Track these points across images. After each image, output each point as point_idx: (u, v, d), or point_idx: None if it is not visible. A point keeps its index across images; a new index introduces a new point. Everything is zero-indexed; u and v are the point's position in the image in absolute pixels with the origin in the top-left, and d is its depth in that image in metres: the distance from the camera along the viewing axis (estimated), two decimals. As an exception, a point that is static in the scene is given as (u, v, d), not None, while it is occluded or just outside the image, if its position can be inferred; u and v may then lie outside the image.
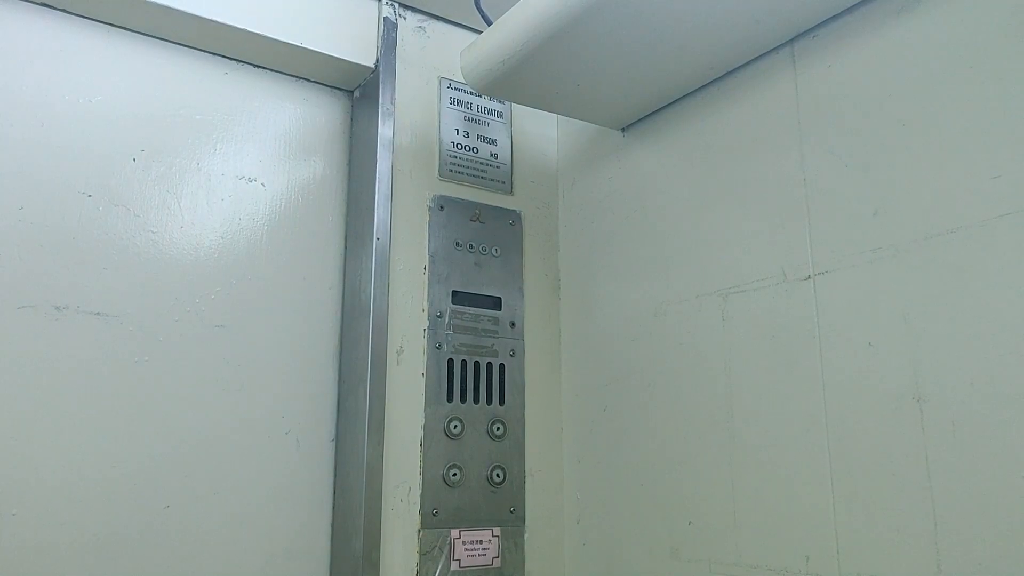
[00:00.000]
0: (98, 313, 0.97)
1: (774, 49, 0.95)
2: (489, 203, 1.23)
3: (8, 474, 0.89)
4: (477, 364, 1.15)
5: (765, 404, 0.91)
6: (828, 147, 0.88)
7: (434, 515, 1.08)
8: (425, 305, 1.13)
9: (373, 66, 1.17)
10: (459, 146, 1.22)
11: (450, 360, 1.13)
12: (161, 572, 0.96)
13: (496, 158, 1.26)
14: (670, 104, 1.10)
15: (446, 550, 1.07)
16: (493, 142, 1.26)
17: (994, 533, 0.68)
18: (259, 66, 1.16)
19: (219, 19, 1.04)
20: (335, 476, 1.09)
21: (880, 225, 0.81)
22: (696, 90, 1.06)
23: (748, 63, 0.99)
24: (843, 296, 0.84)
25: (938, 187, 0.76)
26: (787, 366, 0.89)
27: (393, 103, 1.16)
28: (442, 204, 1.18)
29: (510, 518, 1.14)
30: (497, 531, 1.12)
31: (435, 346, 1.12)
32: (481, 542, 1.10)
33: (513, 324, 1.20)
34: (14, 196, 0.95)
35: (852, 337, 0.82)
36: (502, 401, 1.17)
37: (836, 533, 0.81)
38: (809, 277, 0.88)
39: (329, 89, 1.22)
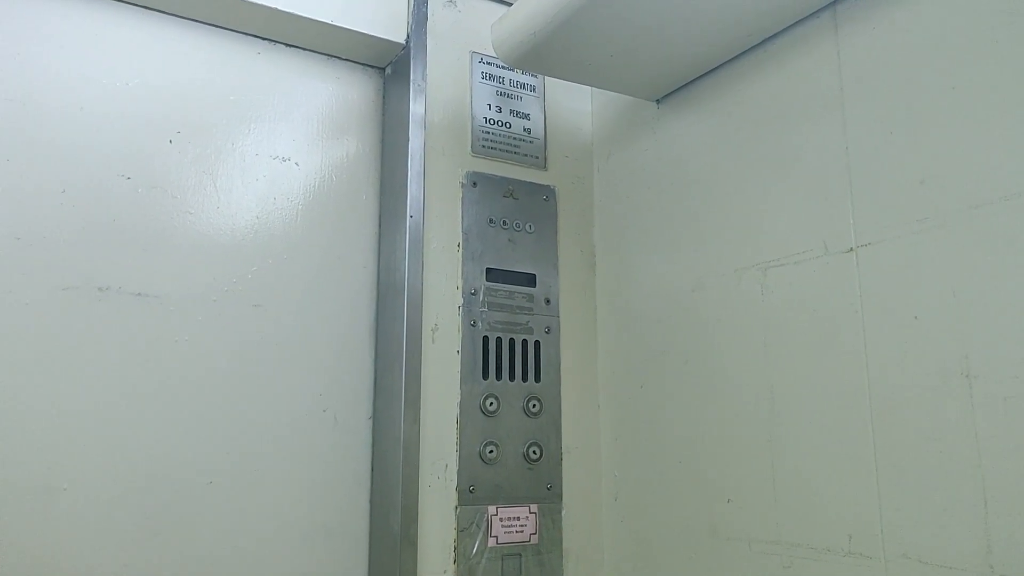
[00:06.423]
0: (139, 294, 0.99)
1: (815, 12, 0.92)
2: (523, 179, 1.22)
3: (58, 451, 0.92)
4: (512, 341, 1.15)
5: (806, 380, 0.89)
6: (872, 114, 0.84)
7: (471, 492, 1.08)
8: (459, 283, 1.13)
9: (404, 42, 1.16)
10: (492, 121, 1.21)
11: (485, 338, 1.13)
12: (203, 546, 0.98)
13: (529, 133, 1.24)
14: (706, 74, 1.07)
15: (483, 527, 1.08)
16: (526, 117, 1.24)
17: (1047, 513, 0.66)
18: (291, 45, 1.15)
19: (251, -1, 1.05)
20: (373, 453, 1.10)
21: (927, 194, 0.78)
22: (733, 58, 1.03)
23: (787, 28, 0.95)
24: (887, 269, 0.81)
25: (989, 154, 0.73)
26: (829, 341, 0.86)
27: (425, 79, 1.15)
28: (475, 181, 1.17)
29: (547, 495, 1.14)
30: (534, 508, 1.12)
31: (470, 324, 1.12)
32: (518, 519, 1.10)
33: (548, 301, 1.19)
34: (56, 179, 0.97)
35: (897, 311, 0.79)
36: (538, 378, 1.16)
37: (880, 512, 0.79)
38: (852, 249, 0.85)
39: (361, 67, 1.21)
